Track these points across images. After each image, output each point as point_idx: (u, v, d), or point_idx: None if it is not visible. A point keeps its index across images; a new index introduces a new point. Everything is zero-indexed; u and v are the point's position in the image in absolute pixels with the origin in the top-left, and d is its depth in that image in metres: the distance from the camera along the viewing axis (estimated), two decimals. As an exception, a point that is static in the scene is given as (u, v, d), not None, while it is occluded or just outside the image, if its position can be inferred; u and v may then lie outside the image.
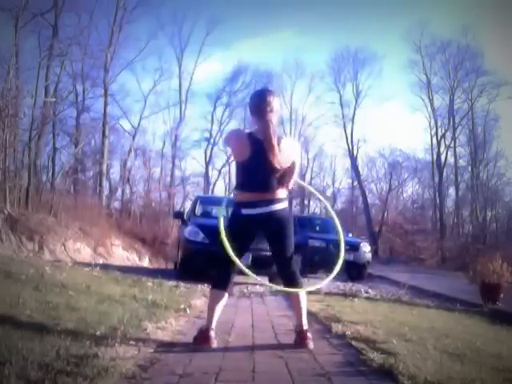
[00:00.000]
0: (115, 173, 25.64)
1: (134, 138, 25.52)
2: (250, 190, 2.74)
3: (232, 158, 2.90)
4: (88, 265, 7.33)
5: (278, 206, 2.74)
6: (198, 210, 8.53)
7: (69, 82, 19.96)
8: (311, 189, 3.56)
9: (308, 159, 32.33)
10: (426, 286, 8.35)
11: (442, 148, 27.98)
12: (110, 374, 1.98)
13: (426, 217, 30.14)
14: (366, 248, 10.76)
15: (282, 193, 2.78)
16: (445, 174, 28.12)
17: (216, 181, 29.71)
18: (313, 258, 10.08)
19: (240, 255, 2.71)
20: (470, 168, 28.25)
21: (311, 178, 32.80)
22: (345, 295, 6.01)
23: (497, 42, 42.69)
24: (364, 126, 39.53)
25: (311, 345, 2.69)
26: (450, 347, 2.95)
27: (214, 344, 2.68)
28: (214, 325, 2.74)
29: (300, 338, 2.73)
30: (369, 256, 10.78)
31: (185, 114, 28.57)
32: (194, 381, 2.07)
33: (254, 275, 2.71)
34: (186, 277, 6.41)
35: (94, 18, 20.99)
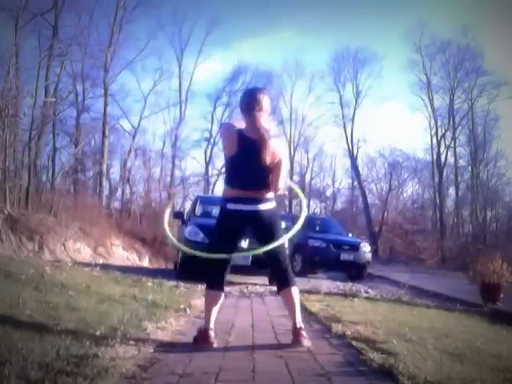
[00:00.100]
0: (115, 173, 25.64)
1: (134, 138, 25.50)
2: (236, 187, 2.78)
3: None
4: (88, 265, 7.33)
5: (264, 206, 2.76)
6: (198, 210, 8.55)
7: (69, 82, 19.98)
8: (294, 186, 3.36)
9: (308, 159, 32.34)
10: (426, 286, 8.35)
11: (442, 148, 27.97)
12: (110, 374, 1.98)
13: (426, 217, 30.11)
14: (366, 248, 10.75)
15: (269, 193, 2.79)
16: (445, 174, 28.09)
17: (216, 181, 29.67)
18: (313, 258, 10.11)
19: (228, 252, 2.74)
20: (470, 168, 28.21)
21: (311, 178, 32.83)
22: (345, 295, 6.01)
23: (497, 42, 42.66)
24: (364, 126, 39.39)
25: (305, 342, 2.67)
26: (450, 347, 2.95)
27: (214, 344, 2.69)
28: (212, 325, 2.75)
29: (294, 336, 2.72)
30: (369, 256, 10.78)
31: (185, 113, 28.53)
32: (194, 381, 2.07)
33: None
34: (186, 277, 6.40)
35: (94, 17, 20.96)
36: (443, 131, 28.01)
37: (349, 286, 7.55)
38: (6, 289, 3.85)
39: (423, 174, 30.45)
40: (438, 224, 27.60)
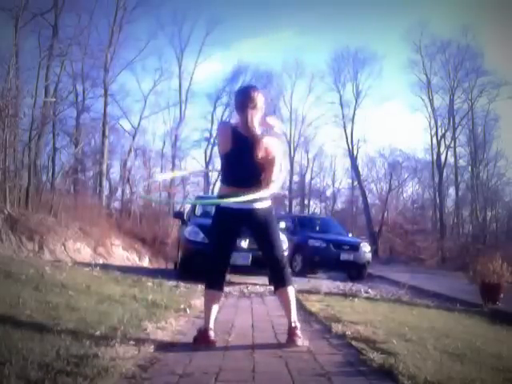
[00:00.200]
0: (115, 173, 25.63)
1: (134, 138, 25.48)
2: (231, 185, 2.79)
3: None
4: (88, 265, 7.33)
5: (258, 205, 2.75)
6: (198, 210, 8.57)
7: (69, 82, 19.96)
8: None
9: (308, 159, 32.37)
10: (426, 286, 8.35)
11: (442, 148, 27.96)
12: (110, 374, 1.98)
13: (426, 217, 30.10)
14: (366, 248, 10.74)
15: (264, 191, 2.77)
16: (445, 174, 28.08)
17: (215, 181, 29.66)
18: (313, 258, 10.11)
19: (225, 251, 2.75)
20: (470, 168, 28.21)
21: (311, 178, 32.84)
22: (345, 295, 6.01)
23: (497, 42, 42.66)
24: (364, 126, 39.30)
25: (299, 342, 2.66)
26: (450, 347, 2.95)
27: (214, 344, 2.69)
28: (212, 325, 2.75)
29: (288, 335, 2.71)
30: (369, 256, 10.78)
31: (185, 114, 28.56)
32: (194, 381, 2.07)
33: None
34: (186, 277, 6.41)
35: (94, 17, 20.94)
36: (443, 131, 28.02)
37: (349, 286, 7.55)
38: (5, 289, 3.85)
39: (423, 174, 30.45)
40: (437, 224, 27.59)
